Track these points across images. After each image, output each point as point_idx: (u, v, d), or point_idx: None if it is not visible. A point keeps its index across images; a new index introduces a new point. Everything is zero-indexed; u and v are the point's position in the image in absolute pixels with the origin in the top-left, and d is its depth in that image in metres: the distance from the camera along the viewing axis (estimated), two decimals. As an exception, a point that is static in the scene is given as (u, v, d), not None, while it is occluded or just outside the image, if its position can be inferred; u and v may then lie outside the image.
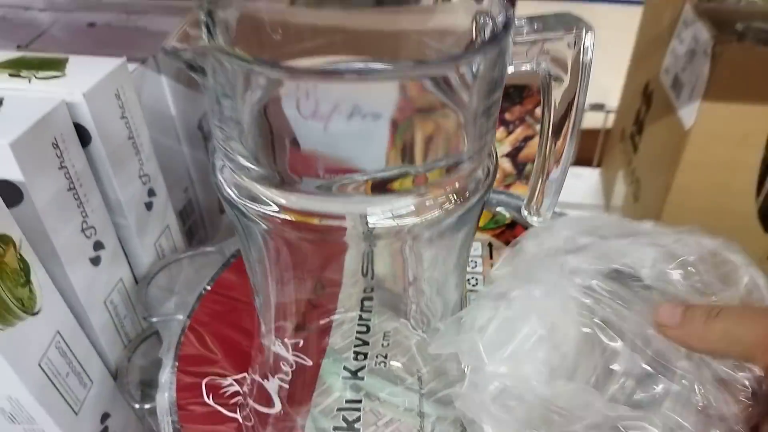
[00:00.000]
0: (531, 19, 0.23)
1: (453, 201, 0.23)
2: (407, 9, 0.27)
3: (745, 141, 0.44)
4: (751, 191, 0.47)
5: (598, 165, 0.71)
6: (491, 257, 0.41)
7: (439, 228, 0.24)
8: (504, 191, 0.44)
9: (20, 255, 0.30)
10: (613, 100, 0.67)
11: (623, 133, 0.62)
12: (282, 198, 0.22)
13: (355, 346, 0.35)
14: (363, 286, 0.37)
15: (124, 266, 0.40)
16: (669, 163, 0.48)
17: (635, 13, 0.61)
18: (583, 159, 0.71)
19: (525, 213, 0.29)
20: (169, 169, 0.46)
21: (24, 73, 0.35)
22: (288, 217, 0.22)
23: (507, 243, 0.41)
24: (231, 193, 0.23)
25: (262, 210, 0.22)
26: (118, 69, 0.37)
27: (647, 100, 0.55)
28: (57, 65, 0.36)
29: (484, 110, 0.22)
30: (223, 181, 0.23)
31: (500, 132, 0.57)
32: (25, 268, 0.31)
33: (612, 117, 0.68)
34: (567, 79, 0.24)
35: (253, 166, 0.22)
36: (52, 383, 0.33)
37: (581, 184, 0.68)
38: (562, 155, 0.27)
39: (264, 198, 0.23)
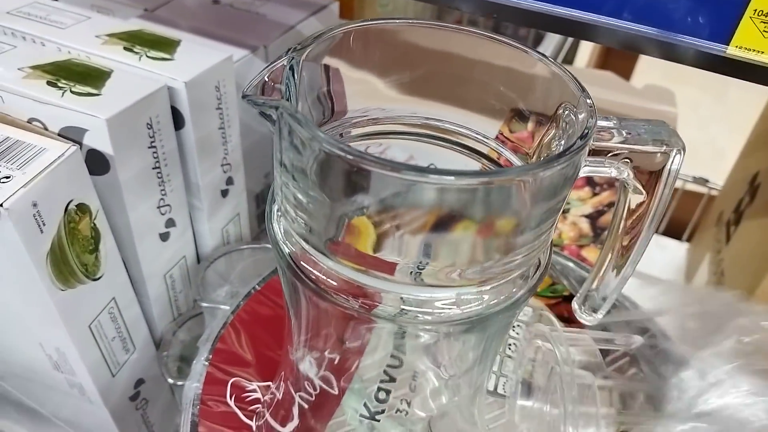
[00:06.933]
0: (621, 124, 0.22)
1: (491, 299, 0.22)
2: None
3: None
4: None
5: (688, 240, 0.67)
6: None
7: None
8: (573, 258, 0.42)
9: (94, 224, 0.32)
10: (721, 176, 0.63)
11: (720, 218, 0.58)
12: (324, 263, 0.22)
13: (381, 381, 0.35)
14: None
15: (190, 245, 0.42)
16: (759, 266, 0.45)
17: None
18: (673, 230, 0.67)
19: (575, 308, 0.28)
20: (255, 153, 0.46)
21: (137, 48, 0.37)
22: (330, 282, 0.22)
23: (560, 316, 0.39)
24: (282, 243, 0.23)
25: (308, 269, 0.23)
26: (222, 62, 0.38)
27: (752, 192, 0.51)
28: (168, 47, 0.38)
29: (544, 212, 0.20)
30: (277, 231, 0.23)
31: (585, 191, 0.55)
32: (96, 237, 0.33)
33: (714, 193, 0.64)
34: (645, 193, 0.23)
35: (304, 219, 0.22)
36: (97, 345, 0.35)
37: (664, 256, 0.64)
38: (627, 261, 0.25)
39: (310, 255, 0.23)
